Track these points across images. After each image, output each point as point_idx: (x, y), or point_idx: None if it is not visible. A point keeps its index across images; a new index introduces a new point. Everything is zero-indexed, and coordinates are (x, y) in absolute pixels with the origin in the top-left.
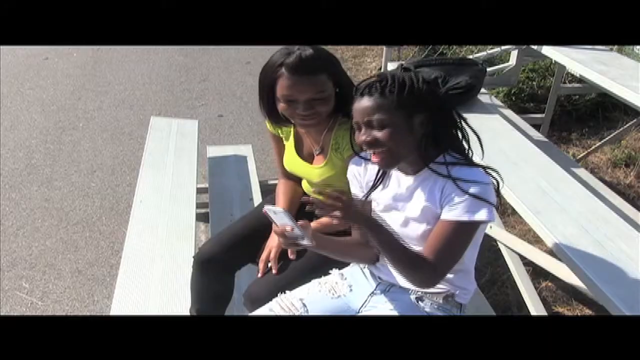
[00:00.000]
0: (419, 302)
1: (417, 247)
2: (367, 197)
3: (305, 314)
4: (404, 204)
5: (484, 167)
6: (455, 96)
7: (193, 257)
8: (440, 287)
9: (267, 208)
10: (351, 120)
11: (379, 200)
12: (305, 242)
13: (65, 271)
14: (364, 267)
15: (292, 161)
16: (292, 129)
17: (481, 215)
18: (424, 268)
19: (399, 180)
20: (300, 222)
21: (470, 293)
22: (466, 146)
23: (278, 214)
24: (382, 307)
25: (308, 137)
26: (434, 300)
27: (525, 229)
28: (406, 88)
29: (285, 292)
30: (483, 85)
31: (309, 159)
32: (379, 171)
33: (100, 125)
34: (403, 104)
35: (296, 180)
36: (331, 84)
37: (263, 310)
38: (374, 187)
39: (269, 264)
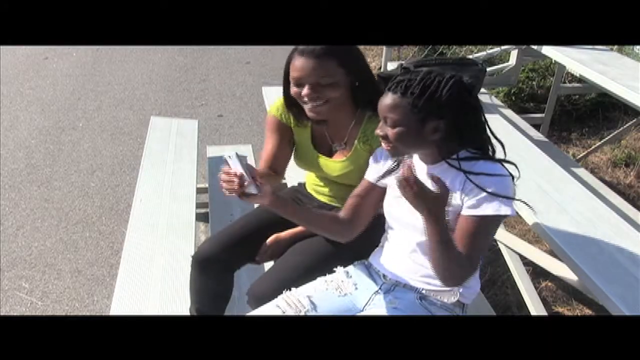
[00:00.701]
0: (422, 300)
1: (420, 236)
2: (380, 179)
3: (314, 311)
4: None
5: (502, 161)
6: None
7: (192, 256)
8: (442, 285)
9: (225, 153)
10: None
11: (395, 185)
12: (252, 189)
13: (65, 271)
14: (370, 266)
15: (309, 155)
16: (309, 125)
17: (506, 209)
18: (462, 264)
19: (417, 168)
20: (259, 180)
21: (474, 292)
22: (489, 146)
23: (232, 159)
24: (386, 306)
25: (328, 133)
26: (437, 299)
27: (525, 229)
28: (427, 93)
29: (290, 290)
30: (483, 85)
31: (327, 154)
32: (397, 158)
33: (100, 125)
34: (419, 107)
35: (278, 173)
36: (343, 72)
37: (269, 307)
38: (387, 174)
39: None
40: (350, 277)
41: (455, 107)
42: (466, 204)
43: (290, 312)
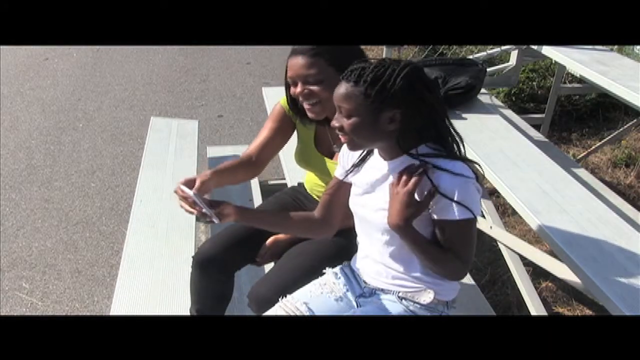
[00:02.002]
0: (403, 301)
1: (381, 236)
2: (346, 176)
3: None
4: (378, 189)
5: (464, 160)
6: (455, 96)
7: (192, 257)
8: (414, 285)
9: (180, 188)
10: None
11: (358, 183)
12: (214, 219)
13: (65, 271)
14: (353, 269)
15: (309, 153)
16: (314, 126)
17: (469, 213)
18: (453, 262)
19: (377, 164)
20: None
21: (453, 287)
22: (454, 144)
23: (186, 191)
24: (371, 308)
25: (330, 133)
26: (415, 300)
27: (525, 229)
28: (380, 82)
29: (287, 295)
30: (483, 86)
31: (328, 155)
32: (360, 154)
33: (100, 125)
34: (373, 97)
35: (257, 164)
36: (333, 70)
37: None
38: (352, 169)
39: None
40: (339, 278)
41: (410, 97)
42: (435, 206)
43: None
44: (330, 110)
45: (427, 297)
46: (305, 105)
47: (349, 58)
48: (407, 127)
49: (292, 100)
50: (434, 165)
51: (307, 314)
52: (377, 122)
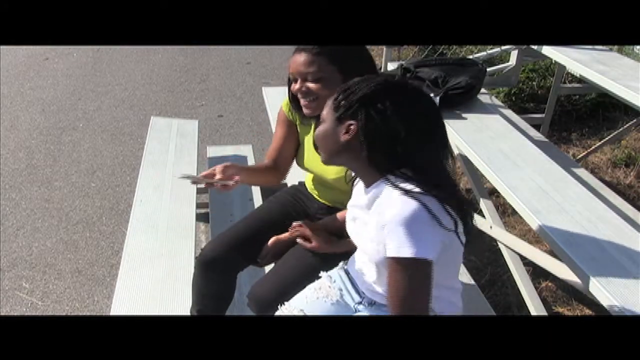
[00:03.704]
0: None
1: (373, 266)
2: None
3: None
4: (362, 217)
5: (444, 200)
6: (455, 96)
7: (196, 257)
8: None
9: (181, 175)
10: None
11: (349, 207)
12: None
13: (65, 271)
14: (348, 273)
15: (309, 155)
16: (313, 125)
17: (407, 251)
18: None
19: (360, 191)
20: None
21: (450, 304)
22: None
23: (188, 176)
24: (370, 313)
25: None
26: None
27: (525, 229)
28: (346, 91)
29: (287, 296)
30: (483, 85)
31: None
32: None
33: (100, 125)
34: (337, 104)
35: (280, 169)
36: (334, 69)
37: None
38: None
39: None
40: (334, 281)
41: (367, 109)
42: (385, 243)
43: None
44: None
45: None
46: (302, 102)
47: (351, 57)
48: (367, 144)
49: (294, 96)
50: (396, 187)
51: None
52: (335, 131)
